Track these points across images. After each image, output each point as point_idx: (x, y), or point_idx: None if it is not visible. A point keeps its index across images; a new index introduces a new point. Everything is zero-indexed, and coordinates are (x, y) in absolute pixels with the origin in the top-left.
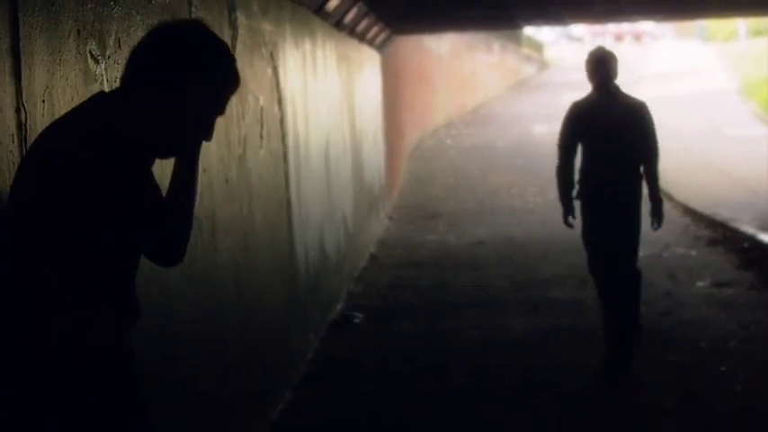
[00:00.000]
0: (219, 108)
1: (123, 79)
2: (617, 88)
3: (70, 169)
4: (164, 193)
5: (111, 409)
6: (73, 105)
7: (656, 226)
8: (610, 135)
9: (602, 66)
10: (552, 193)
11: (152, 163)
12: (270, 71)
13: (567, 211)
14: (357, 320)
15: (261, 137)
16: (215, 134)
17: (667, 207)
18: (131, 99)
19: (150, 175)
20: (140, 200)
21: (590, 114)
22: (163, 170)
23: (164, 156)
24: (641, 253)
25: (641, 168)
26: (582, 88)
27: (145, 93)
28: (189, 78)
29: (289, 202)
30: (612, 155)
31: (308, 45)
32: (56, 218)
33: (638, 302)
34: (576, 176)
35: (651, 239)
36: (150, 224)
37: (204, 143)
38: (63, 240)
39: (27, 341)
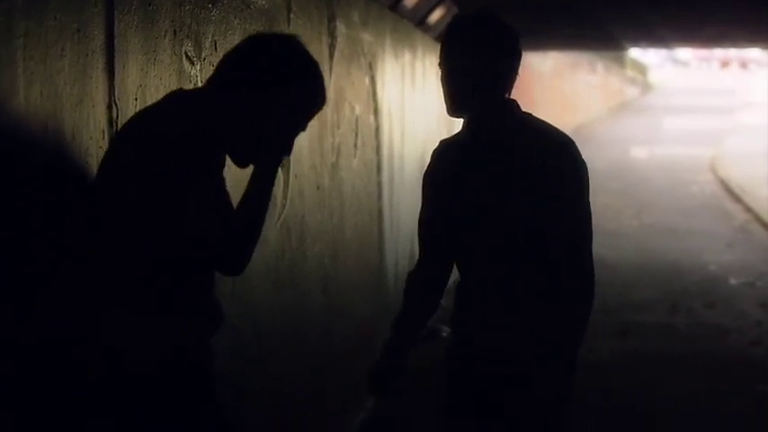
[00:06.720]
0: (301, 125)
1: (211, 80)
2: (507, 111)
3: (144, 166)
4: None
5: (188, 409)
6: None
7: None
8: (477, 213)
9: (456, 58)
10: (649, 216)
11: (223, 165)
12: (367, 81)
13: (384, 370)
14: (444, 334)
15: (355, 146)
16: (308, 141)
17: (764, 235)
18: (217, 98)
19: (220, 178)
20: (206, 198)
21: (456, 168)
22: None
23: (240, 161)
24: (734, 281)
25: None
26: (685, 113)
27: (231, 95)
28: (277, 89)
29: (380, 212)
30: (506, 260)
31: (407, 57)
32: (129, 213)
33: None
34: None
35: (745, 267)
36: (213, 228)
37: (298, 152)
38: (134, 237)
39: (103, 340)
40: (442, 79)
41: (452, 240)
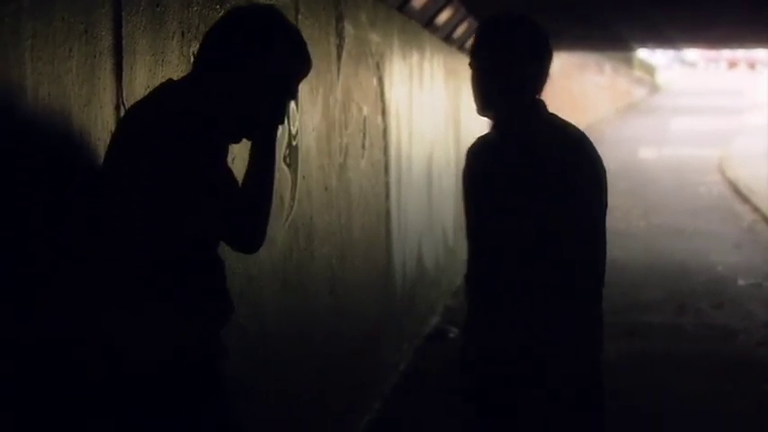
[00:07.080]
0: (290, 92)
1: (196, 62)
2: (534, 113)
3: (141, 158)
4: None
5: (188, 409)
6: None
7: None
8: (503, 215)
9: (483, 60)
10: (657, 216)
11: (226, 149)
12: (375, 82)
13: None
14: (452, 335)
15: (363, 147)
16: (316, 142)
17: None
18: (202, 84)
19: (223, 161)
20: (211, 183)
21: (486, 170)
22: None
23: (237, 139)
24: (741, 282)
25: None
26: (693, 113)
27: (216, 77)
28: (259, 62)
29: (388, 212)
30: (512, 264)
31: (415, 57)
32: (132, 211)
33: None
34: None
35: (752, 268)
36: (224, 209)
37: (306, 153)
38: (140, 231)
39: (103, 340)
40: (471, 79)
41: (487, 240)
